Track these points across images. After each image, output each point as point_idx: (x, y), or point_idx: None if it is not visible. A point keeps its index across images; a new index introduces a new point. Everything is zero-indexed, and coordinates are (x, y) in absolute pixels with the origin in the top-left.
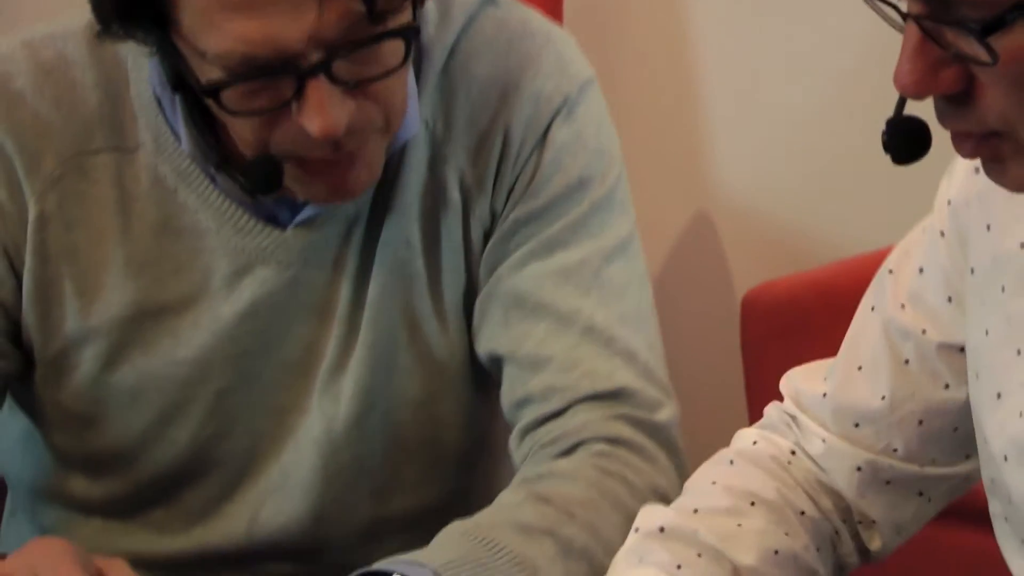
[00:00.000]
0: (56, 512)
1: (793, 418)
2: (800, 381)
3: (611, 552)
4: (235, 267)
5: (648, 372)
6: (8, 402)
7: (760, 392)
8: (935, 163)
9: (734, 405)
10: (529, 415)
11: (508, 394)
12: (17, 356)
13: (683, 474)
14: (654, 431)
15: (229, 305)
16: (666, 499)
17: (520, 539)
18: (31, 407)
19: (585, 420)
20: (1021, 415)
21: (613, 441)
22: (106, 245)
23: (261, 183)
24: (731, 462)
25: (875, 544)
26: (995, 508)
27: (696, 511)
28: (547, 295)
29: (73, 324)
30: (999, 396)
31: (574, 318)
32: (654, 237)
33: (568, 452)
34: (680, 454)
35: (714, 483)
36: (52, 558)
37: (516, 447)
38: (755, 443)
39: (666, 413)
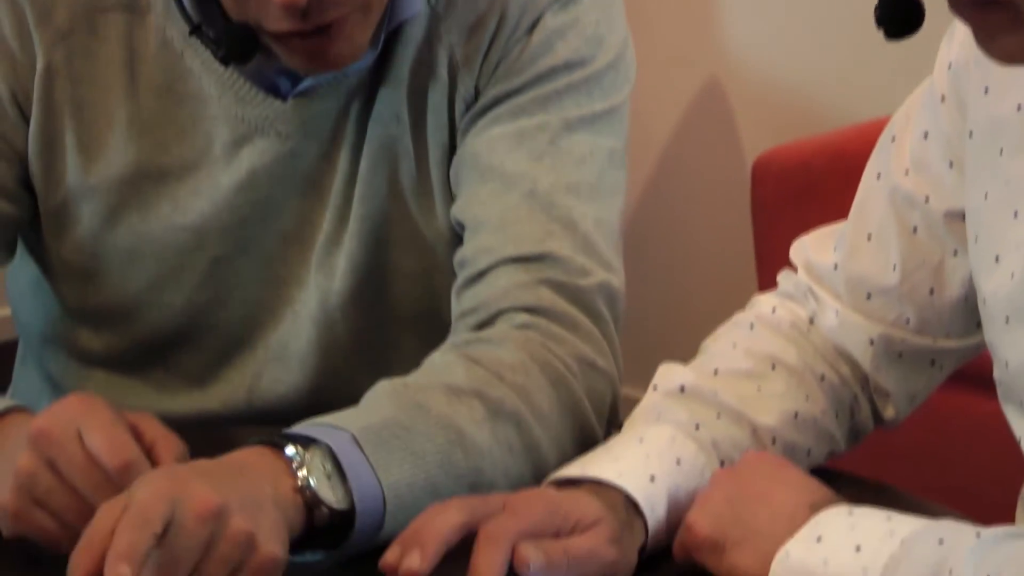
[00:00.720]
0: (62, 361)
1: (809, 289)
2: (811, 251)
3: (541, 417)
4: (235, 136)
5: (587, 244)
6: (21, 249)
7: (770, 256)
8: (946, 29)
9: (744, 269)
10: (460, 277)
11: (455, 258)
12: (28, 202)
13: (611, 342)
14: (577, 296)
15: (228, 175)
16: (593, 367)
17: (447, 400)
18: (39, 256)
19: (506, 286)
20: (1013, 276)
21: (533, 310)
22: (111, 103)
23: (234, 51)
24: (751, 326)
25: (889, 413)
26: (997, 372)
27: (716, 372)
28: (497, 157)
29: (74, 179)
30: (997, 259)
31: (518, 181)
32: (665, 103)
33: (488, 323)
34: (604, 321)
35: (735, 346)
36: (89, 412)
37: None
38: (774, 310)
39: (593, 279)
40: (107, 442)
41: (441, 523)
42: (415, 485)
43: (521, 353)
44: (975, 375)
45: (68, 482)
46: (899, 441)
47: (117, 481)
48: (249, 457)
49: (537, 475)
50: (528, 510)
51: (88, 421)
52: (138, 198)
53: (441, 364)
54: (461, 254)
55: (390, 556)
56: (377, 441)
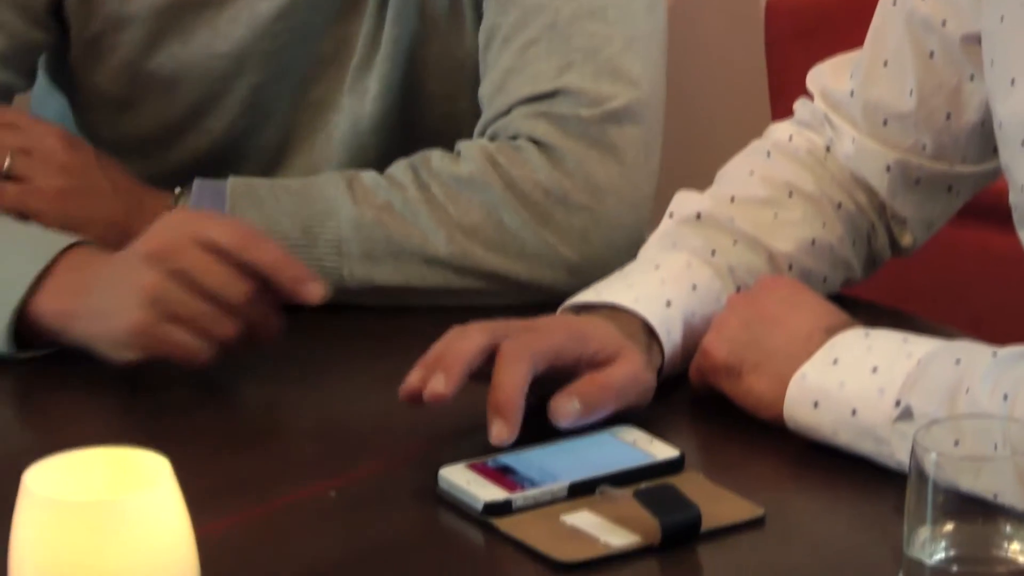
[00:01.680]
0: None
1: (826, 116)
2: (827, 78)
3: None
4: None
5: (611, 68)
6: (45, 82)
7: (783, 93)
8: None
9: (757, 107)
10: (481, 118)
11: (479, 92)
12: (56, 30)
13: (624, 171)
14: (578, 128)
15: (266, 2)
16: (563, 201)
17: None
18: (67, 87)
19: (510, 119)
20: None
21: (517, 136)
22: None
23: None
24: (768, 154)
25: (906, 240)
26: (1013, 197)
27: (733, 199)
28: None
29: (112, 7)
30: (1013, 82)
31: (539, 13)
32: None
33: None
34: (614, 150)
35: (751, 173)
36: (195, 217)
37: None
38: (791, 138)
39: (610, 106)
40: (229, 231)
41: (464, 346)
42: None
43: (469, 166)
44: (992, 209)
45: (199, 286)
46: (914, 276)
47: (252, 264)
48: None
49: (422, 251)
50: (549, 332)
51: (198, 223)
52: (178, 26)
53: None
54: (482, 90)
55: (413, 380)
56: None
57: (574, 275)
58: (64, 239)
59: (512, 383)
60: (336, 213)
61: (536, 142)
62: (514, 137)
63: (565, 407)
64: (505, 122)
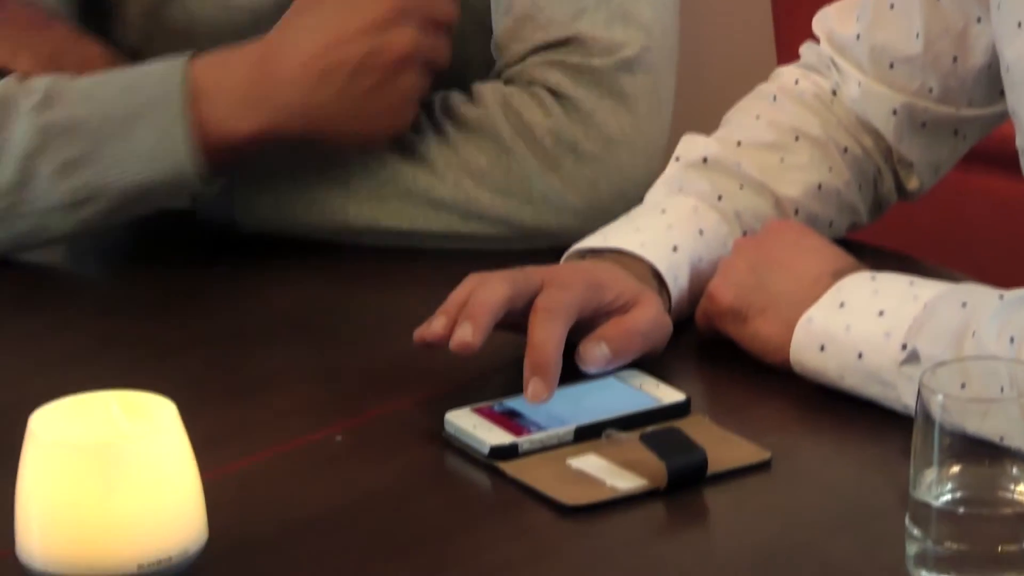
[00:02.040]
0: None
1: (832, 60)
2: (833, 22)
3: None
4: None
5: (624, 13)
6: None
7: (789, 37)
8: None
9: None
10: (496, 65)
11: (492, 39)
12: None
13: (633, 120)
14: (590, 77)
15: None
16: (573, 149)
17: None
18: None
19: (524, 66)
20: None
21: (532, 83)
22: None
23: None
24: (774, 98)
25: (913, 184)
26: (1020, 141)
27: (739, 144)
28: None
29: None
30: (1020, 25)
31: None
32: None
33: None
34: (625, 98)
35: (758, 117)
36: None
37: None
38: (797, 82)
39: (621, 55)
40: None
41: (488, 296)
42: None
43: (484, 109)
44: (998, 155)
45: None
46: (920, 221)
47: None
48: None
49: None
50: (572, 285)
51: None
52: None
53: None
54: (496, 36)
55: (437, 327)
56: None
57: (581, 222)
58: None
59: (552, 342)
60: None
61: (551, 90)
62: (529, 83)
63: (594, 352)
64: (519, 69)
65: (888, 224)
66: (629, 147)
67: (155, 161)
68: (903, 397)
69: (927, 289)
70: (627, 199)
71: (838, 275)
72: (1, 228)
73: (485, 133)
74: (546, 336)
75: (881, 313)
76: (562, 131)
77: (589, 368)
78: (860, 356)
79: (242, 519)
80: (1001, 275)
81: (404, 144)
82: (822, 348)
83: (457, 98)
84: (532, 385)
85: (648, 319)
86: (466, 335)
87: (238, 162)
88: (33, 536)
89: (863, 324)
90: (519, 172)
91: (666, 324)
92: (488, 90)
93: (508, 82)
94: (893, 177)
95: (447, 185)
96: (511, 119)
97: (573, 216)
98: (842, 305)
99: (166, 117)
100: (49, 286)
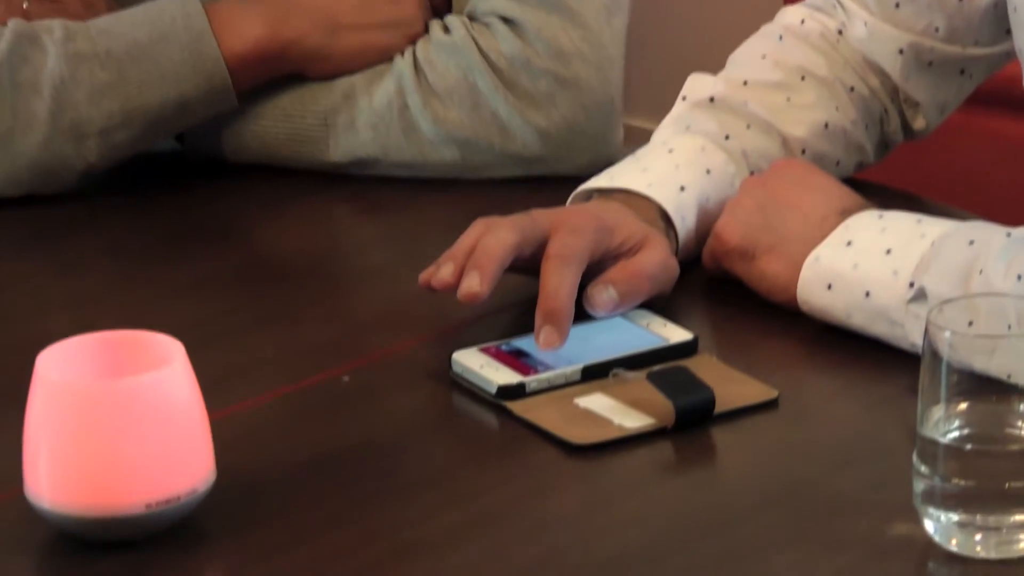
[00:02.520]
0: None
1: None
2: None
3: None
4: None
5: None
6: None
7: None
8: None
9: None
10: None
11: None
12: None
13: (583, 28)
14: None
15: None
16: (527, 67)
17: None
18: None
19: (476, 1)
20: None
21: (486, 14)
22: None
23: None
24: (780, 37)
25: (919, 124)
26: None
27: (746, 83)
28: None
29: None
30: None
31: None
32: None
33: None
34: (564, 12)
35: (764, 57)
36: None
37: None
38: (803, 21)
39: None
40: None
41: (495, 244)
42: None
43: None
44: (1005, 97)
45: None
46: (926, 163)
47: None
48: None
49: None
50: (581, 230)
51: None
52: None
53: None
54: None
55: (444, 274)
56: None
57: (545, 140)
58: None
59: (564, 289)
60: (328, 85)
61: (502, 18)
62: (484, 15)
63: (602, 296)
64: (474, 4)
65: (895, 165)
66: (582, 59)
67: (186, 79)
68: (910, 335)
69: (934, 227)
70: (586, 111)
71: (845, 213)
72: (38, 159)
73: (453, 53)
74: (558, 283)
75: (888, 251)
76: (515, 52)
77: (597, 312)
78: (867, 295)
79: (250, 459)
80: (1007, 216)
81: (382, 72)
82: (829, 287)
83: (434, 25)
84: (544, 333)
85: (656, 262)
86: (473, 285)
87: (263, 77)
88: (41, 477)
89: (870, 262)
90: (483, 90)
91: (673, 267)
92: (456, 21)
93: (470, 19)
94: (899, 116)
95: (416, 106)
96: (473, 47)
97: (537, 134)
98: (849, 243)
99: (192, 33)
100: (56, 228)
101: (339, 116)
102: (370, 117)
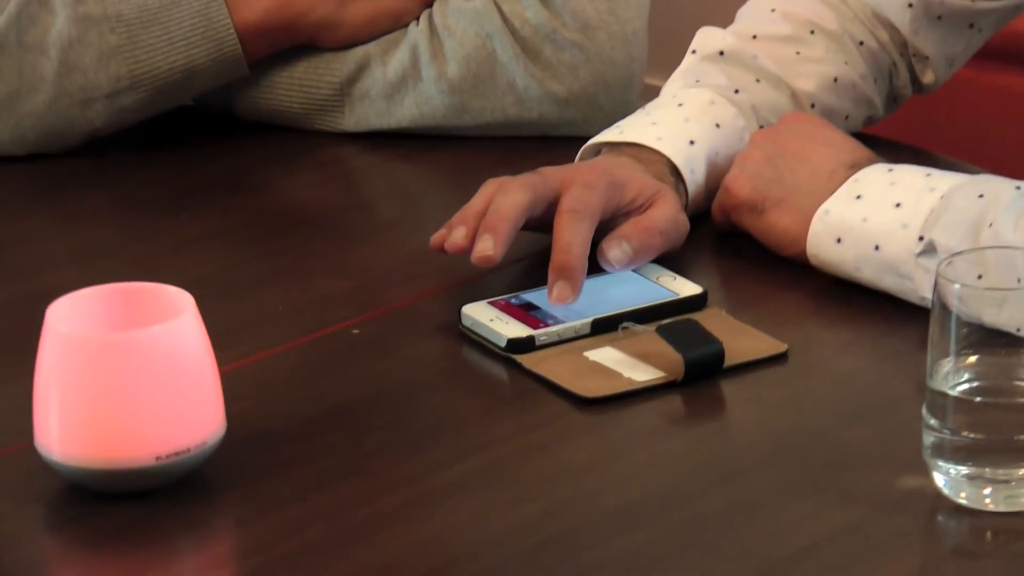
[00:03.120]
0: None
1: None
2: None
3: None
4: None
5: None
6: None
7: None
8: None
9: None
10: None
11: None
12: None
13: (610, 0)
14: None
15: None
16: (551, 38)
17: None
18: None
19: None
20: None
21: None
22: None
23: None
24: None
25: (928, 78)
26: None
27: (755, 37)
28: None
29: None
30: None
31: None
32: None
33: None
34: None
35: (773, 11)
36: None
37: None
38: None
39: None
40: None
41: (507, 205)
42: None
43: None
44: (1014, 52)
45: None
46: (936, 118)
47: None
48: None
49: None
50: (596, 184)
51: None
52: None
53: None
54: None
55: (457, 237)
56: None
57: (563, 109)
58: None
59: (577, 245)
60: (343, 55)
61: None
62: None
63: (615, 251)
64: None
65: (903, 120)
66: (607, 31)
67: (196, 46)
68: (920, 289)
69: (944, 181)
70: (607, 85)
71: (854, 167)
72: (43, 120)
73: (474, 20)
74: (572, 238)
75: (898, 205)
76: (540, 22)
77: (611, 268)
78: (877, 248)
79: (260, 411)
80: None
81: (397, 40)
82: (839, 240)
83: None
84: (558, 288)
85: (667, 218)
86: (487, 248)
87: (275, 47)
88: (51, 428)
89: (880, 216)
90: (502, 58)
91: (684, 223)
92: None
93: None
94: (908, 71)
95: (431, 77)
96: (495, 14)
97: (554, 104)
98: (859, 197)
99: (203, 0)
100: (66, 181)
101: (354, 86)
102: (384, 87)
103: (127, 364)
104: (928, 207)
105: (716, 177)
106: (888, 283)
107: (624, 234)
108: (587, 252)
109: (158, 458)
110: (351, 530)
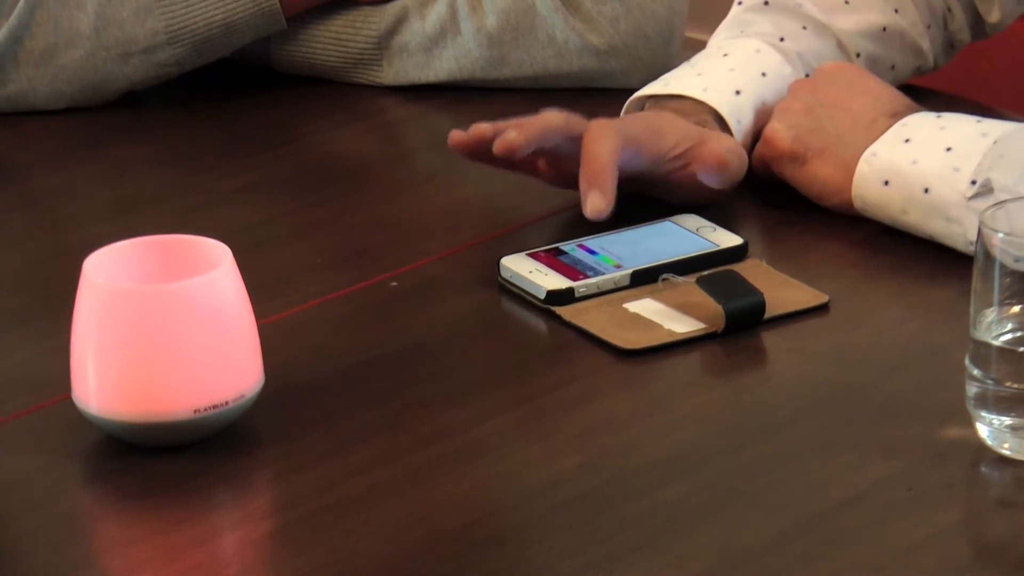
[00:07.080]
0: None
1: None
2: None
3: None
4: None
5: None
6: None
7: None
8: None
9: None
10: None
11: None
12: None
13: None
14: None
15: None
16: None
17: None
18: None
19: None
20: None
21: None
22: None
23: None
24: None
25: (994, 16)
26: None
27: None
28: None
29: None
30: None
31: None
32: None
33: None
34: None
35: None
36: None
37: None
38: None
39: None
40: None
41: (541, 116)
42: None
43: None
44: None
45: None
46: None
47: None
48: None
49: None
50: (628, 122)
51: None
52: None
53: None
54: None
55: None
56: None
57: (603, 61)
58: None
59: (606, 153)
60: (380, 9)
61: None
62: None
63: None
64: None
65: (947, 73)
66: None
67: (233, 1)
68: (968, 233)
69: (996, 127)
70: (647, 38)
71: (895, 116)
72: (80, 74)
73: None
74: (600, 148)
75: (949, 149)
76: None
77: (714, 184)
78: (926, 191)
79: (298, 364)
80: None
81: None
82: (886, 183)
83: None
84: (591, 199)
85: (727, 147)
86: (510, 135)
87: (313, 1)
88: (88, 381)
89: (930, 159)
90: (541, 10)
91: (742, 154)
92: None
93: None
94: (965, 13)
95: (470, 32)
96: None
97: (594, 57)
98: (908, 141)
99: None
100: (104, 134)
101: (392, 39)
102: (423, 40)
103: (164, 316)
104: (980, 151)
105: (763, 126)
106: (934, 227)
107: (697, 157)
108: (615, 161)
109: (196, 411)
110: (389, 484)
